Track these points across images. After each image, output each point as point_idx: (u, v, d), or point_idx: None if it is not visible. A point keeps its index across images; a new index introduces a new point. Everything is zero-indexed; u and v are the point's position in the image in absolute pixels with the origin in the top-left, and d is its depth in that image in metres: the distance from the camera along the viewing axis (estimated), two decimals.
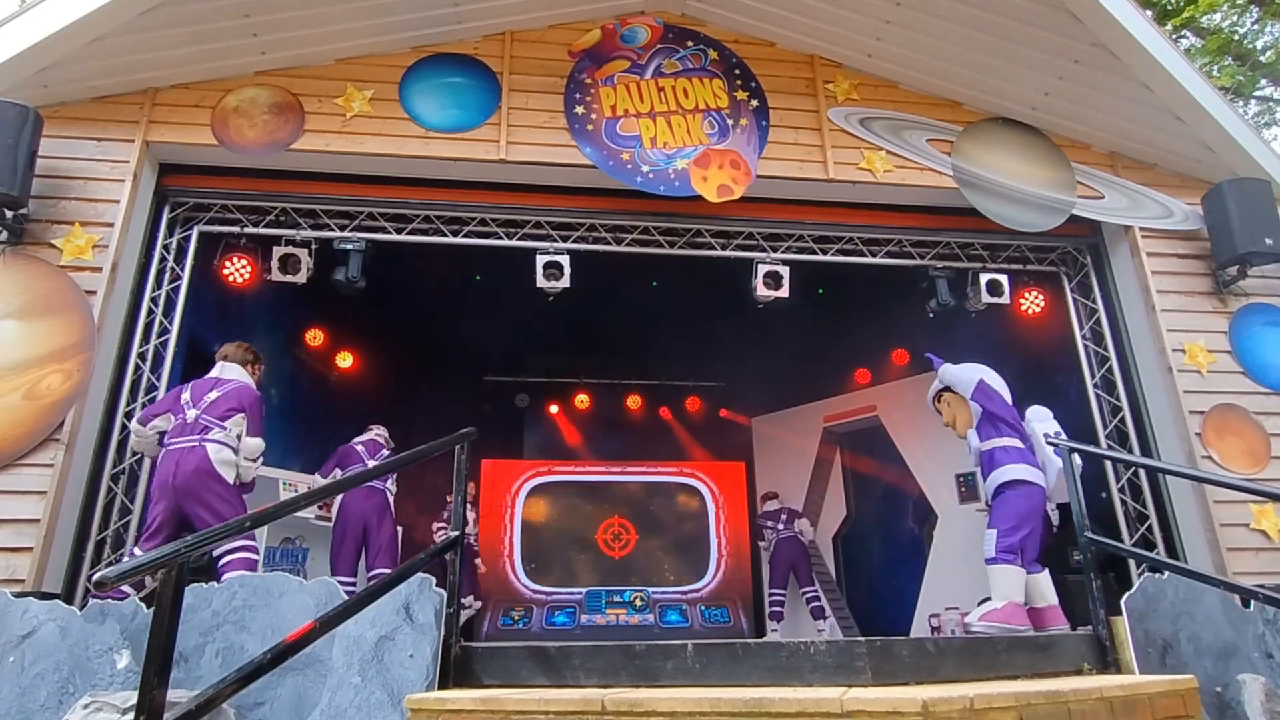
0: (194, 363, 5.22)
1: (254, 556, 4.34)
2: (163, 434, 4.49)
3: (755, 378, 9.98)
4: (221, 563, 4.23)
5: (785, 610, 8.18)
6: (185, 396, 4.55)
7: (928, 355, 5.25)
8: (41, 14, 4.60)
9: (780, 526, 8.34)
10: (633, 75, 5.63)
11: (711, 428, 10.69)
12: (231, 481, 4.41)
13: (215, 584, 3.57)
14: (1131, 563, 5.17)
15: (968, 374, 4.92)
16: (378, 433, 6.78)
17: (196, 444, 4.38)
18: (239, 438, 4.50)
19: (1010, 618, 4.13)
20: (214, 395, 4.54)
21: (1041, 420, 4.75)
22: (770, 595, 8.26)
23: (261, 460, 4.62)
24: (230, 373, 4.72)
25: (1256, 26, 13.46)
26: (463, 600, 7.63)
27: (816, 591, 8.16)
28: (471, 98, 5.49)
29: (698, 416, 10.82)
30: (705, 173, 5.42)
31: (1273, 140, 12.85)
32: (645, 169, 5.38)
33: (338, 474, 6.36)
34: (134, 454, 4.78)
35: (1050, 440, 4.49)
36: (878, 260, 6.05)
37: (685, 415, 10.85)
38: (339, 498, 6.50)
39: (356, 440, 6.65)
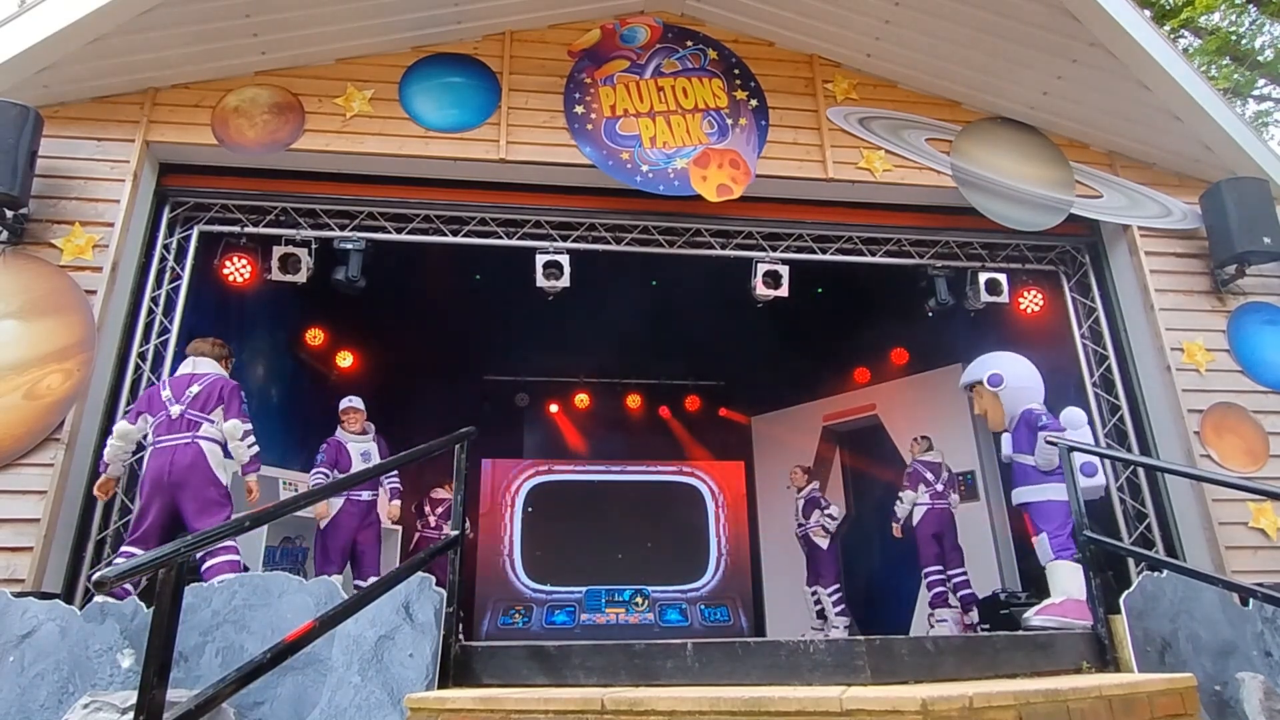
0: None
1: (237, 559, 4.29)
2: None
3: (755, 377, 9.99)
4: (205, 566, 4.18)
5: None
6: (166, 394, 4.50)
7: (994, 374, 4.82)
8: (41, 14, 4.61)
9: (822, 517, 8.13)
10: (632, 75, 5.64)
11: (711, 427, 10.70)
12: (225, 481, 4.41)
13: (215, 584, 3.58)
14: (1130, 561, 5.18)
15: (1023, 395, 4.71)
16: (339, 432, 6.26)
17: (189, 440, 4.37)
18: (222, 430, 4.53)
19: (1069, 612, 4.10)
20: (195, 389, 4.50)
21: (1075, 428, 4.57)
22: (835, 592, 7.81)
23: (251, 439, 4.51)
24: (204, 367, 4.67)
25: (1255, 26, 13.47)
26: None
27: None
28: (471, 97, 5.49)
29: (697, 415, 10.83)
30: (705, 172, 5.42)
31: (1271, 140, 12.87)
32: (645, 168, 5.38)
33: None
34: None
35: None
36: (877, 259, 6.06)
37: (685, 414, 10.85)
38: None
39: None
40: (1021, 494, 4.61)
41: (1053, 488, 4.44)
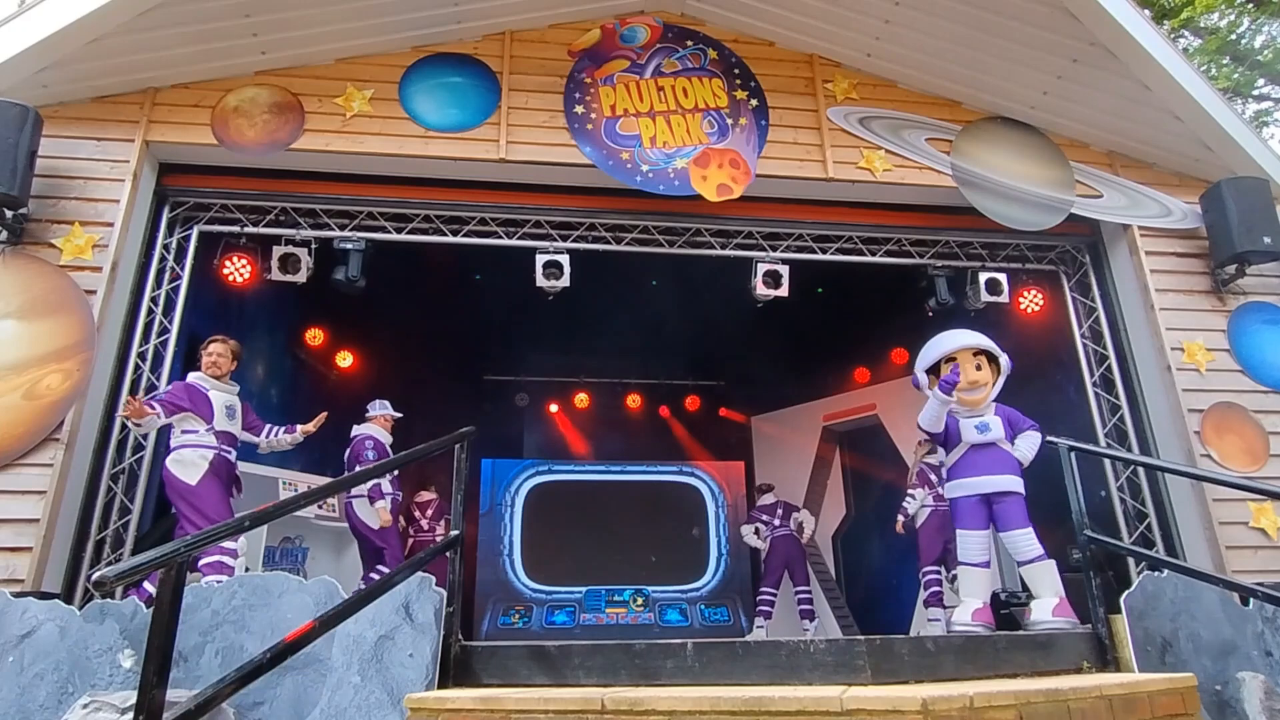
0: (193, 362, 5.23)
1: (230, 562, 4.36)
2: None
3: (755, 376, 9.99)
4: (200, 563, 4.30)
5: (774, 609, 8.10)
6: None
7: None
8: (41, 14, 4.60)
9: (776, 523, 8.20)
10: (632, 75, 5.64)
11: (711, 426, 10.70)
12: (191, 480, 4.49)
13: (214, 584, 3.59)
14: (1131, 561, 5.18)
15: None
16: (357, 431, 6.41)
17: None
18: (184, 433, 4.62)
19: (1068, 611, 4.16)
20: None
21: None
22: (761, 593, 8.11)
23: (278, 432, 5.06)
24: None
25: (1254, 26, 13.48)
26: None
27: (810, 593, 8.10)
28: (471, 97, 5.49)
29: (697, 415, 10.82)
30: (705, 172, 5.42)
31: (1270, 139, 12.86)
32: (645, 168, 5.38)
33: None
34: (134, 453, 4.81)
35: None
36: (877, 259, 6.06)
37: (685, 414, 10.85)
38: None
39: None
40: (1011, 483, 4.49)
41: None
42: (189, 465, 4.52)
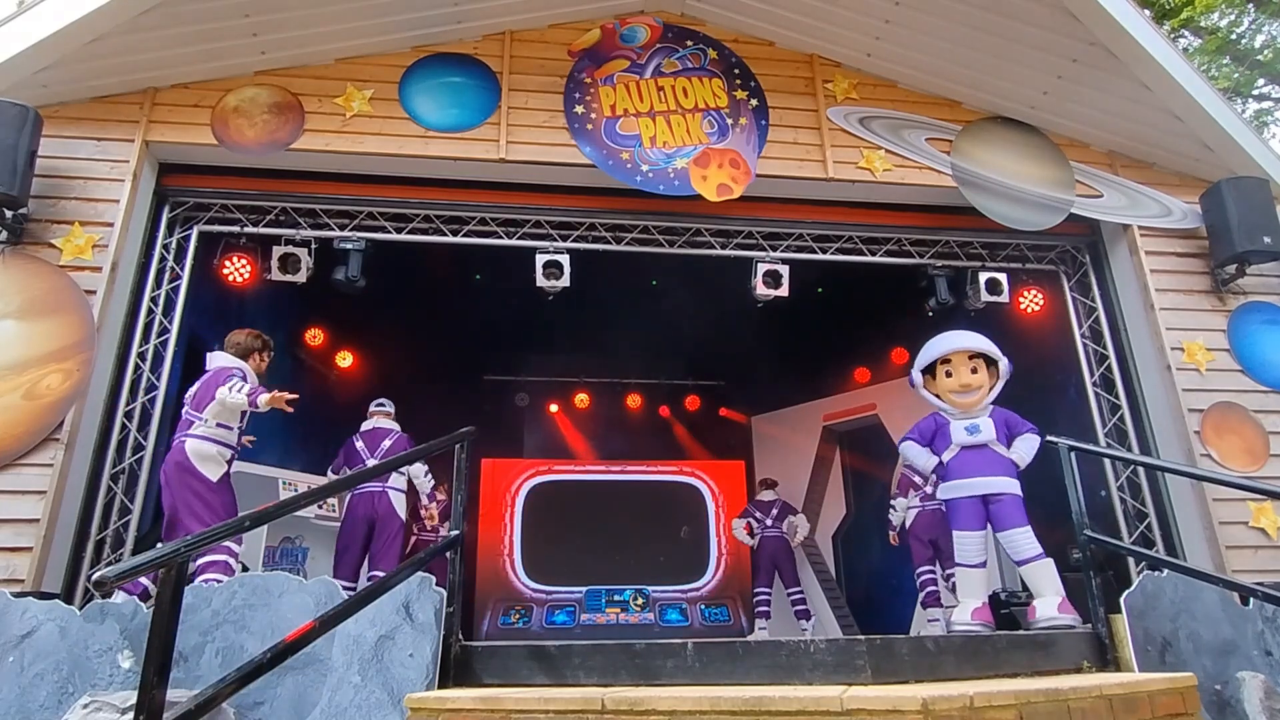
0: (193, 362, 5.23)
1: (233, 563, 4.28)
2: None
3: (755, 376, 9.99)
4: (200, 561, 4.17)
5: (772, 609, 8.11)
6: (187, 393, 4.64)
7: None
8: (41, 14, 4.60)
9: (768, 522, 8.19)
10: (632, 75, 5.64)
11: (711, 426, 10.70)
12: (213, 477, 4.36)
13: (214, 584, 3.59)
14: (1131, 561, 5.18)
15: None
16: (377, 421, 6.43)
17: (179, 440, 4.42)
18: (219, 427, 4.45)
19: (1070, 609, 4.16)
20: (194, 388, 4.55)
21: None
22: (756, 594, 8.14)
23: (239, 387, 4.33)
24: (214, 362, 4.64)
25: (1254, 26, 13.48)
26: None
27: (802, 593, 8.11)
28: (471, 97, 5.49)
29: (697, 415, 10.82)
30: (705, 172, 5.42)
31: (1271, 139, 12.87)
32: (645, 168, 5.38)
33: (346, 472, 6.24)
34: (134, 453, 4.80)
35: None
36: (877, 259, 6.06)
37: (685, 414, 10.85)
38: (346, 497, 6.42)
39: (358, 433, 6.51)
40: (1005, 484, 4.48)
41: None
42: (211, 460, 4.39)
